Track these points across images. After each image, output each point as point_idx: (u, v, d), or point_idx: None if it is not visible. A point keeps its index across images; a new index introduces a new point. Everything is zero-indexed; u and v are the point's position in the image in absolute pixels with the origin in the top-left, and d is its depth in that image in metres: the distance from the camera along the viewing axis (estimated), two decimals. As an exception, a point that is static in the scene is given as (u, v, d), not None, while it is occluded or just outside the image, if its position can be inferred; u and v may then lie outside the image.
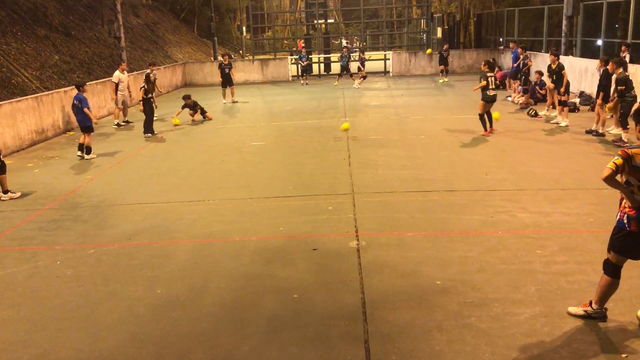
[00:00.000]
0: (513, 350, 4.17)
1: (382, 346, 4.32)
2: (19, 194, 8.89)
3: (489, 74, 11.81)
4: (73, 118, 15.56)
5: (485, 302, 4.90)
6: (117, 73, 15.71)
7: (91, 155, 11.46)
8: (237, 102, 19.23)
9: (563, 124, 12.61)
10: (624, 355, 4.07)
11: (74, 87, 16.13)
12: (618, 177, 4.24)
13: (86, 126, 11.45)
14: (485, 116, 11.98)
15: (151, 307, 5.12)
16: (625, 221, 4.23)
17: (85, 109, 11.40)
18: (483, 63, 12.18)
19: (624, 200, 4.28)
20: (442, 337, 4.40)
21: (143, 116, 13.82)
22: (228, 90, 19.05)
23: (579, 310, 4.60)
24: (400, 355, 4.20)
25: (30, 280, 5.85)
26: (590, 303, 4.56)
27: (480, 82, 11.86)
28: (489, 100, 11.83)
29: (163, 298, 5.30)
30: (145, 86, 13.75)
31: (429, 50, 20.62)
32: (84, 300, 5.34)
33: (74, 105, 11.63)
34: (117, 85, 15.48)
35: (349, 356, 4.23)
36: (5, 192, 8.76)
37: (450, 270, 5.54)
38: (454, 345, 4.28)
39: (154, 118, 14.27)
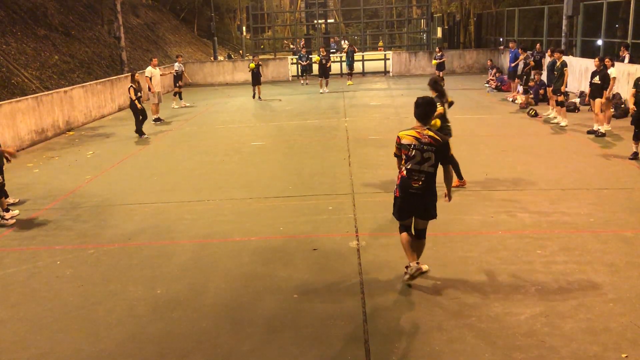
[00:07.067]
0: (513, 350, 4.17)
1: (382, 346, 4.32)
2: (17, 212, 7.95)
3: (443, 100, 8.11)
4: (73, 118, 15.66)
5: (485, 302, 4.90)
6: (149, 68, 15.86)
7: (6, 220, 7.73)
8: (326, 91, 20.19)
9: (563, 123, 12.61)
10: (624, 355, 4.07)
11: (72, 88, 16.26)
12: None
13: None
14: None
15: (151, 307, 5.12)
16: (395, 189, 5.22)
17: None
18: (429, 85, 8.24)
19: (398, 176, 5.19)
20: (442, 337, 4.40)
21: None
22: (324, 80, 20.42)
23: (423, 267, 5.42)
24: (400, 355, 4.20)
25: (30, 280, 5.85)
26: (408, 267, 5.25)
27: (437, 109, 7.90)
28: (448, 135, 8.09)
29: (163, 298, 5.30)
30: (134, 85, 13.53)
31: (434, 62, 20.39)
32: (84, 300, 5.33)
33: None
34: (150, 80, 15.65)
35: (349, 356, 4.23)
36: (6, 210, 7.90)
37: (450, 270, 5.54)
38: (454, 345, 4.28)
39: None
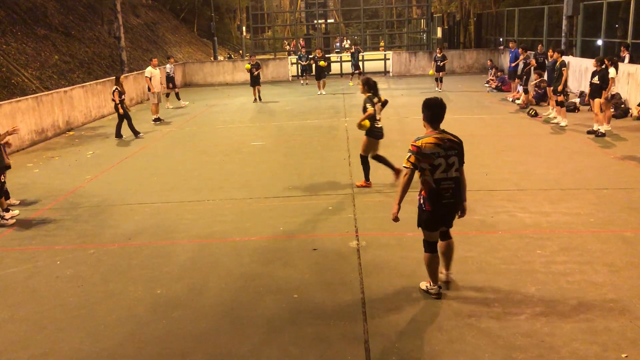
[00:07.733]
0: (513, 350, 4.17)
1: (382, 346, 4.32)
2: (17, 212, 7.95)
3: (375, 100, 8.05)
4: (73, 118, 15.65)
5: (485, 302, 4.90)
6: (149, 68, 16.06)
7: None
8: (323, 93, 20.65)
9: (563, 123, 12.61)
10: (624, 355, 4.06)
11: (72, 88, 16.25)
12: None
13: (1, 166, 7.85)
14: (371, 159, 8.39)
15: (151, 307, 5.12)
16: (422, 202, 4.91)
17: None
18: (361, 84, 8.22)
19: (422, 188, 4.90)
20: (442, 337, 4.40)
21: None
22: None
23: (422, 285, 5.14)
24: (400, 355, 4.20)
25: (30, 280, 5.85)
26: (430, 282, 5.07)
27: (367, 110, 7.96)
28: (379, 137, 8.24)
29: (163, 298, 5.29)
30: (119, 88, 13.37)
31: (431, 72, 20.19)
32: (84, 300, 5.33)
33: None
34: (149, 80, 15.82)
35: (349, 356, 4.23)
36: (6, 210, 7.85)
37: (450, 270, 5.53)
38: (454, 345, 4.28)
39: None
